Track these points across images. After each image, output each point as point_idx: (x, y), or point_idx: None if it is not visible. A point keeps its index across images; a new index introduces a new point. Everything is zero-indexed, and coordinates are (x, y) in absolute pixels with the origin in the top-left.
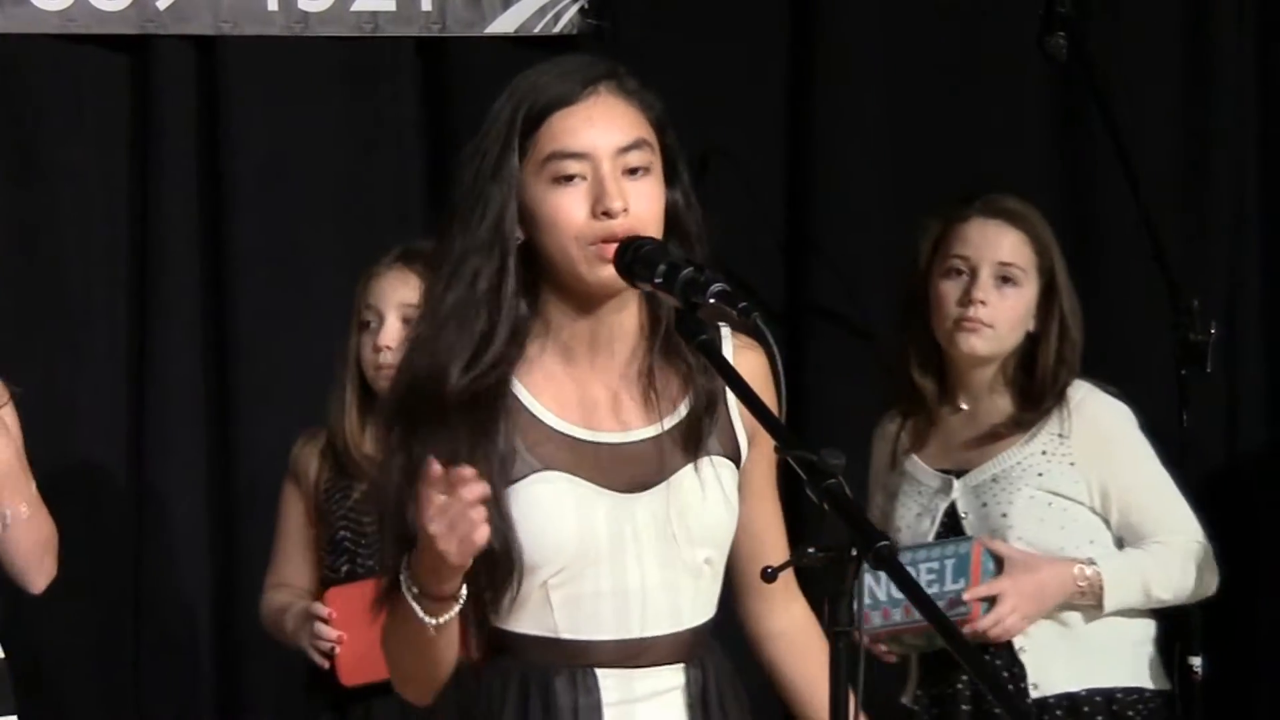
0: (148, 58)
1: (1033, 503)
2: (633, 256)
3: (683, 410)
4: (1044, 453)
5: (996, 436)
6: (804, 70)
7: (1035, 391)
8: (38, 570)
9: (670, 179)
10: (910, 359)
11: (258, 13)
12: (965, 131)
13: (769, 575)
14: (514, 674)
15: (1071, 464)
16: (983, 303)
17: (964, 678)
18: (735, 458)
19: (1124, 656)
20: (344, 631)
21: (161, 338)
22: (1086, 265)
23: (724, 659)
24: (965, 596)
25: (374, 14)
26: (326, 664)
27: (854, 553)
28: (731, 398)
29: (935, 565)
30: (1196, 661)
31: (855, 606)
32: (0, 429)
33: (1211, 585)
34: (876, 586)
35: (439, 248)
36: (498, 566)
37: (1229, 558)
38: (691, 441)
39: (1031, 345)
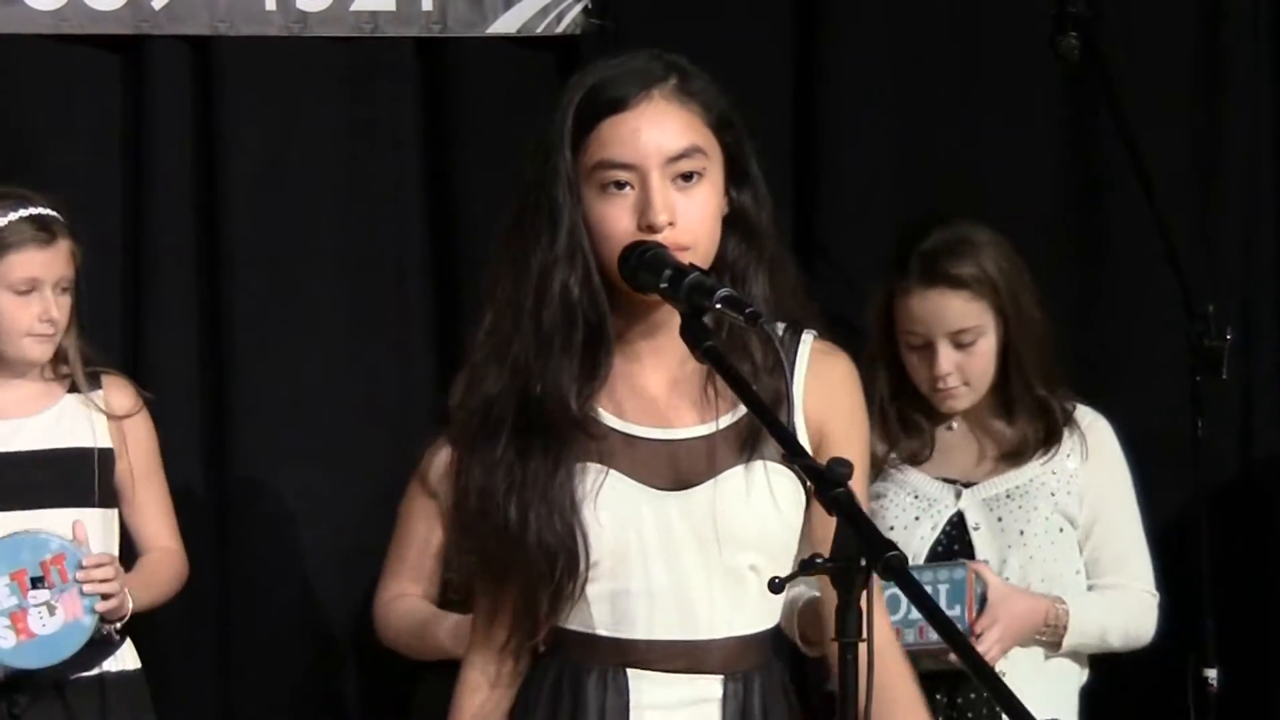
0: (142, 58)
1: (1048, 524)
2: (636, 261)
3: (740, 411)
4: (1055, 474)
5: (1008, 452)
6: (809, 70)
7: (1019, 402)
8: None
9: (738, 179)
10: (896, 411)
11: (255, 12)
12: (973, 133)
13: (775, 586)
14: (552, 669)
15: (1080, 487)
16: (950, 374)
17: (941, 687)
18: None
19: (1068, 693)
20: None
21: (155, 342)
22: (1098, 269)
23: (779, 675)
24: (975, 629)
25: (373, 14)
26: None
27: (863, 564)
28: (808, 405)
29: (929, 589)
30: (1212, 673)
31: (865, 617)
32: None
33: (1147, 639)
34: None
35: (509, 253)
36: (561, 562)
37: (1244, 567)
38: (745, 443)
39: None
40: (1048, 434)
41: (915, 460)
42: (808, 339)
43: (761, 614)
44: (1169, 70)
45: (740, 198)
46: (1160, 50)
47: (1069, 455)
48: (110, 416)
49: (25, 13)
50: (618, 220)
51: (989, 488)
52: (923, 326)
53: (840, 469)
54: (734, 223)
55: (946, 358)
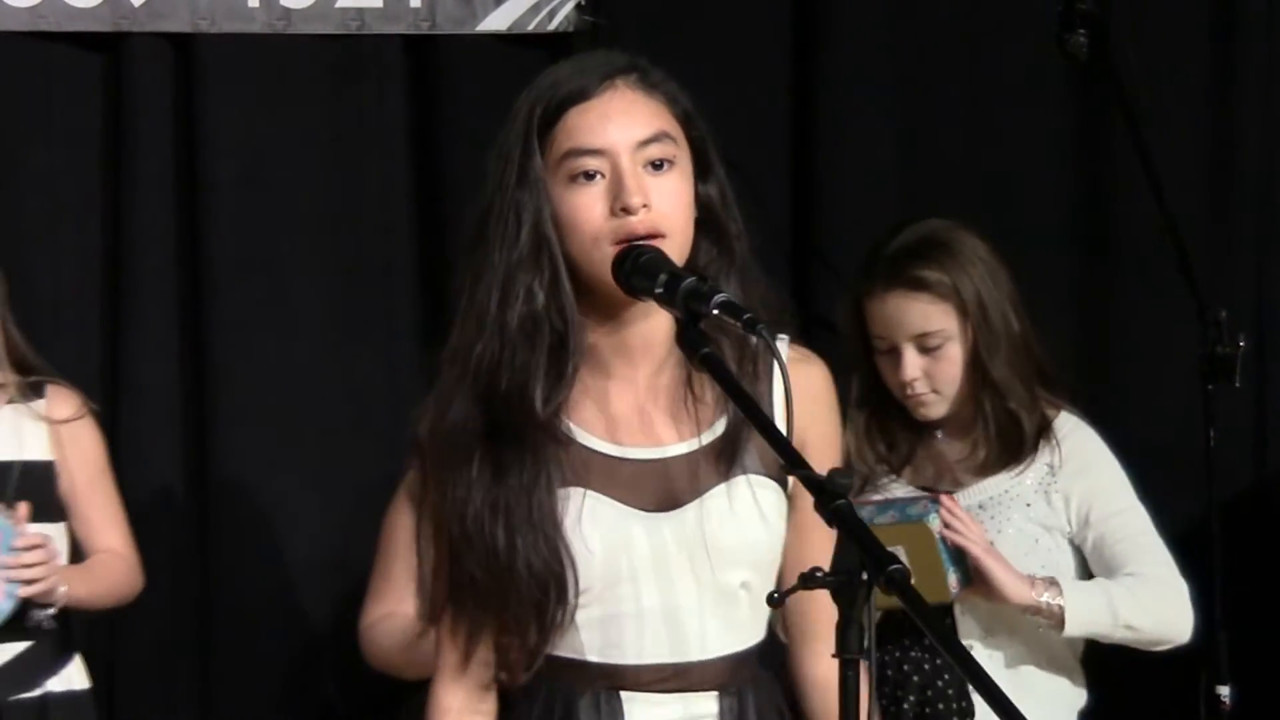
0: (121, 57)
1: (1021, 535)
2: (631, 266)
3: (721, 425)
4: (1031, 484)
5: (982, 462)
6: (808, 69)
7: (987, 413)
8: (120, 604)
9: (703, 173)
10: (870, 418)
11: (238, 9)
12: (977, 135)
13: (775, 600)
14: (540, 695)
15: (1058, 493)
16: (916, 379)
17: (911, 697)
18: (781, 479)
19: (1063, 717)
20: None
21: (135, 352)
22: (1107, 275)
23: (772, 689)
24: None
25: (360, 11)
26: None
27: (864, 577)
28: (792, 415)
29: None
30: (1224, 691)
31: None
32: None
33: (1185, 628)
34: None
35: (473, 257)
36: (552, 590)
37: (1258, 581)
38: (726, 458)
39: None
40: (1017, 446)
41: (895, 468)
42: (782, 346)
43: (752, 629)
44: (1181, 69)
45: (707, 194)
46: (1172, 48)
47: (1045, 465)
48: (51, 424)
49: (0, 10)
50: (589, 208)
51: (962, 498)
52: (886, 330)
53: (841, 480)
54: (703, 225)
55: (911, 363)
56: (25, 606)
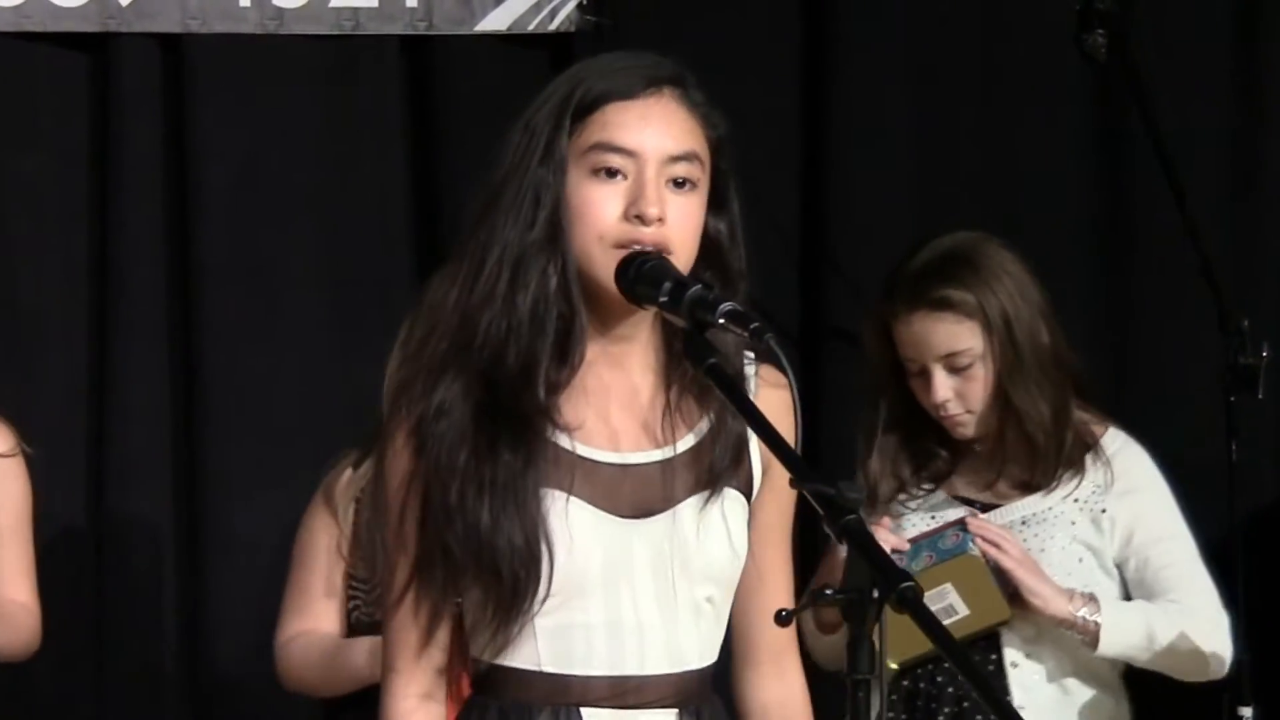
0: (109, 58)
1: (1065, 554)
2: (635, 273)
3: (696, 435)
4: (1077, 500)
5: (1021, 481)
6: (819, 74)
7: (1021, 435)
8: (13, 659)
9: (717, 206)
10: (902, 439)
11: (229, 9)
12: (993, 139)
13: (783, 619)
14: (491, 711)
15: (1103, 511)
16: (948, 400)
17: (946, 709)
18: (748, 492)
19: None
20: None
21: (123, 360)
22: (1126, 282)
23: (723, 711)
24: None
25: (354, 10)
26: None
27: (875, 595)
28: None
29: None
30: (1247, 712)
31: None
32: None
33: (1220, 664)
34: None
35: (481, 224)
36: (514, 591)
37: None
38: (699, 469)
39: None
40: (1042, 467)
41: (936, 480)
42: (750, 366)
43: (714, 646)
44: (1203, 69)
45: (716, 229)
46: (1194, 48)
47: (1093, 484)
48: None
49: None
50: (604, 204)
51: (1005, 513)
52: (915, 352)
53: (852, 495)
54: (705, 255)
55: (941, 384)
56: None
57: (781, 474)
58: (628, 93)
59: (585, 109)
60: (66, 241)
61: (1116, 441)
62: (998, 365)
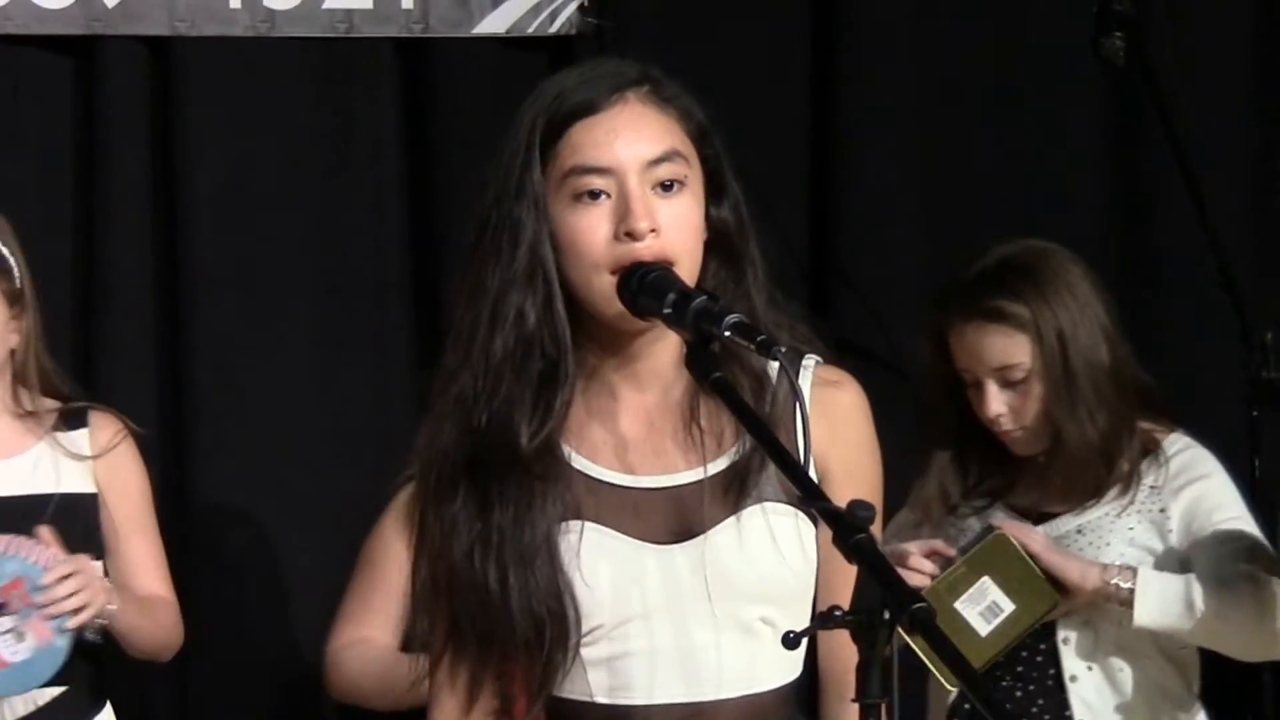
0: (95, 61)
1: (1121, 560)
2: (638, 285)
3: (733, 452)
4: (1135, 505)
5: (1082, 486)
6: (828, 77)
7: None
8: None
9: (716, 195)
10: (964, 450)
11: (218, 11)
12: (1008, 145)
13: (790, 641)
14: None
15: (1161, 510)
16: (1001, 414)
17: None
18: (805, 506)
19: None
20: None
21: (109, 374)
22: (1146, 294)
23: None
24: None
25: (348, 12)
26: None
27: (887, 616)
28: (816, 437)
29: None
30: None
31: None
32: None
33: (1275, 638)
34: None
35: (466, 277)
36: (550, 631)
37: None
38: (740, 485)
39: None
40: (1109, 486)
41: (993, 494)
42: (809, 366)
43: (779, 668)
44: (1223, 74)
45: (721, 218)
46: (1214, 52)
47: (1149, 487)
48: (91, 457)
49: None
50: (593, 231)
51: (1061, 523)
52: (967, 363)
53: (862, 513)
54: (714, 247)
55: (994, 398)
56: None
57: (839, 485)
58: (590, 108)
59: (552, 136)
60: (51, 249)
61: (1179, 444)
62: (1046, 383)
